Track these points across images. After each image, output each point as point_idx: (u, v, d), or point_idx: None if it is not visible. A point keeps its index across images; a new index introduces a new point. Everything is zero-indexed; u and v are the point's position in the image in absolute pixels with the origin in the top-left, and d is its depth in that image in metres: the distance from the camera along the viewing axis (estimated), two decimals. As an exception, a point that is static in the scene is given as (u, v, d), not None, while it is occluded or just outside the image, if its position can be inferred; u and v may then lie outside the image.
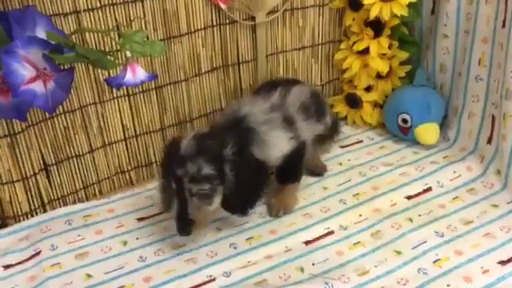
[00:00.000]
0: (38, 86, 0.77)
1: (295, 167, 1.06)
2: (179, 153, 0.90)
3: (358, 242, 0.97)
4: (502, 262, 0.91)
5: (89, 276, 0.92)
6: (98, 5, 0.98)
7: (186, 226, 0.91)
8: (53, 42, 0.80)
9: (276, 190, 1.07)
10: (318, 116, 1.10)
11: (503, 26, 1.06)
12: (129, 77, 0.77)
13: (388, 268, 0.91)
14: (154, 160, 1.19)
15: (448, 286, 0.87)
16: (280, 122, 1.00)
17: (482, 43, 1.13)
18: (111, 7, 1.00)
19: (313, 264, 0.92)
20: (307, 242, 0.98)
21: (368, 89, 1.33)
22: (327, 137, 1.18)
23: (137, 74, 0.77)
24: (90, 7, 0.97)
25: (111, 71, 0.99)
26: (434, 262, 0.92)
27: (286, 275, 0.90)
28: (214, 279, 0.90)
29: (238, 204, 0.96)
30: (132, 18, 1.01)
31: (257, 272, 0.91)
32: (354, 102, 1.34)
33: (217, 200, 0.93)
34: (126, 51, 0.77)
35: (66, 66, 0.83)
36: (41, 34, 0.83)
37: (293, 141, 1.00)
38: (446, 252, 0.94)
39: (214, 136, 0.94)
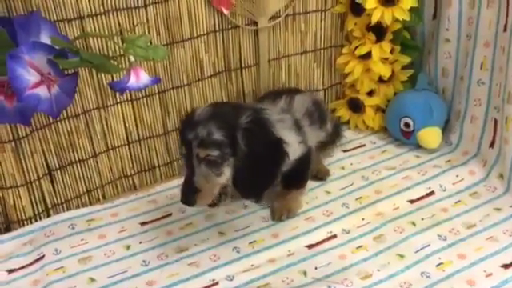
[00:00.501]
0: (42, 91, 0.78)
1: (302, 173, 1.05)
2: (193, 118, 0.88)
3: (361, 246, 0.97)
4: (506, 266, 0.91)
5: (92, 280, 0.92)
6: (102, 10, 0.99)
7: (190, 194, 0.86)
8: (57, 47, 0.81)
9: (280, 194, 1.07)
10: (321, 123, 1.11)
11: (505, 29, 1.06)
12: (132, 81, 0.77)
13: (391, 272, 0.91)
14: (156, 164, 1.20)
15: (451, 289, 0.87)
16: (292, 124, 1.00)
17: (484, 47, 1.14)
18: (114, 12, 1.00)
19: (316, 268, 0.92)
20: (310, 246, 0.98)
21: (370, 93, 1.33)
22: (329, 142, 1.18)
23: (140, 78, 0.77)
24: (93, 13, 0.98)
25: (115, 76, 1.00)
26: (437, 265, 0.92)
27: (289, 279, 0.90)
28: (216, 283, 0.90)
29: (248, 182, 0.91)
30: (135, 23, 1.02)
31: (260, 276, 0.91)
32: (356, 106, 1.34)
33: (226, 172, 0.88)
34: (130, 56, 0.77)
35: (70, 71, 0.84)
36: (45, 39, 0.83)
37: (302, 145, 1.00)
38: (449, 256, 0.93)
39: (231, 105, 0.92)
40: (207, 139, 0.86)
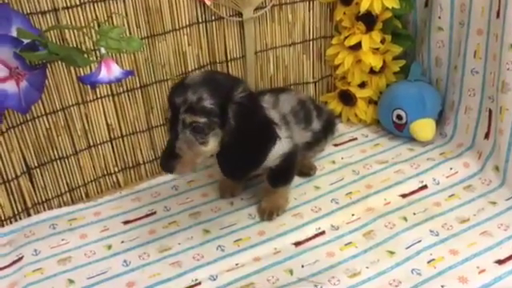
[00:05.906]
0: (10, 86, 0.75)
1: (289, 169, 1.01)
2: (184, 82, 0.84)
3: (350, 243, 0.94)
4: (500, 262, 0.87)
5: (71, 281, 0.89)
6: (78, 2, 0.95)
7: (170, 159, 0.81)
8: (26, 41, 0.78)
9: (266, 193, 1.04)
10: (306, 124, 1.07)
11: (497, 16, 1.02)
12: (103, 74, 0.74)
13: (380, 269, 0.87)
14: (141, 161, 1.16)
15: (442, 286, 0.83)
16: (280, 119, 0.97)
17: (477, 35, 1.10)
18: (91, 4, 0.97)
19: (302, 266, 0.89)
20: (297, 244, 0.94)
21: (362, 85, 1.29)
22: (317, 141, 1.13)
23: (112, 70, 0.74)
24: (68, 5, 0.94)
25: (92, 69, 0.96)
26: (429, 262, 0.88)
27: (274, 278, 0.87)
28: (199, 283, 0.87)
29: (233, 160, 0.87)
30: (111, 14, 0.98)
31: (244, 275, 0.88)
32: (347, 98, 1.30)
33: (212, 143, 0.84)
34: (101, 48, 0.74)
35: (39, 63, 0.81)
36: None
37: (289, 141, 0.97)
38: (440, 251, 0.90)
39: (226, 75, 0.89)
40: (196, 105, 0.81)
